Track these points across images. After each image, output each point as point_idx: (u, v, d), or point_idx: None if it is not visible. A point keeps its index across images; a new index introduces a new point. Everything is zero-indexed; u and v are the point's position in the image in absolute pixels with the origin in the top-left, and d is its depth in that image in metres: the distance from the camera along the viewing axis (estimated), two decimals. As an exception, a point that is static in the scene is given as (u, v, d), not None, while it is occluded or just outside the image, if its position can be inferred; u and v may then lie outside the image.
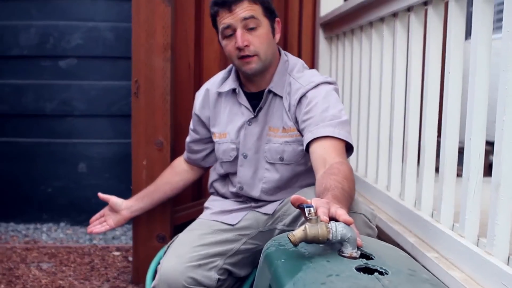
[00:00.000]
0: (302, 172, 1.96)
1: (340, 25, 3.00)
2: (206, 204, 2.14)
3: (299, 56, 3.36)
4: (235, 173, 2.03)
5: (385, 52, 2.35)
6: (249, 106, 1.95)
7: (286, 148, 1.91)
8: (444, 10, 1.90)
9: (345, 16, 2.86)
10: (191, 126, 2.15)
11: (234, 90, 1.98)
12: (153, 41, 2.34)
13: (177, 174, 2.24)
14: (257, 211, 1.99)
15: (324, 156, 1.67)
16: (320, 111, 1.79)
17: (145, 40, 2.34)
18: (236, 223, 1.98)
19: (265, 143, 1.94)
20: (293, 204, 1.13)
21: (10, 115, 3.41)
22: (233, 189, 2.05)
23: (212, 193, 2.18)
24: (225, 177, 2.10)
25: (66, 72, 3.36)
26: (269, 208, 1.97)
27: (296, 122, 1.88)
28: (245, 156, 1.97)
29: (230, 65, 2.06)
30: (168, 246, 1.94)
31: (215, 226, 1.97)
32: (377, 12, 2.38)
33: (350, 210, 1.54)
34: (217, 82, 2.05)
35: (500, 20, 1.45)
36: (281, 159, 1.93)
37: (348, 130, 1.78)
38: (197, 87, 2.63)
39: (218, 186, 2.13)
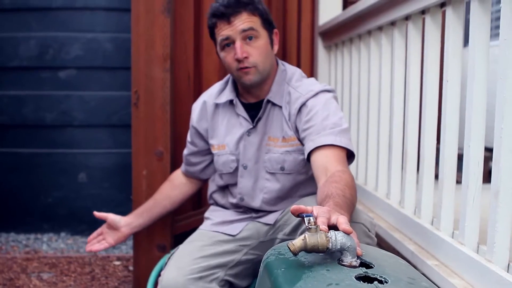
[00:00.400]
0: (303, 181, 1.96)
1: (338, 34, 3.01)
2: (206, 215, 2.13)
3: (298, 65, 3.38)
4: (234, 184, 2.02)
5: (384, 61, 2.36)
6: (247, 117, 1.95)
7: (287, 158, 1.91)
8: (441, 19, 1.91)
9: (343, 25, 2.88)
10: (188, 138, 2.14)
11: (231, 101, 1.98)
12: (152, 52, 2.34)
13: (176, 187, 2.22)
14: (258, 221, 1.99)
15: (326, 165, 1.68)
16: (320, 119, 1.80)
17: (144, 51, 2.35)
18: (237, 234, 1.97)
19: (265, 153, 1.94)
20: (293, 213, 1.14)
21: (10, 125, 3.42)
22: (233, 200, 2.04)
23: (211, 204, 2.18)
24: (224, 188, 2.10)
25: (65, 82, 3.37)
26: (270, 218, 1.97)
27: (297, 131, 1.88)
28: (245, 167, 1.97)
29: (227, 76, 2.06)
30: (169, 258, 1.93)
31: (215, 237, 1.97)
32: (375, 21, 2.39)
33: (351, 219, 1.54)
34: (214, 94, 2.05)
35: (498, 27, 1.46)
36: (282, 168, 1.93)
37: (348, 137, 1.80)
38: (197, 97, 2.63)
39: (218, 197, 2.12)
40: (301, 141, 1.87)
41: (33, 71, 3.38)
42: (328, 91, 1.90)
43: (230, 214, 2.06)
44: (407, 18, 2.12)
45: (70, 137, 3.40)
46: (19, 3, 3.35)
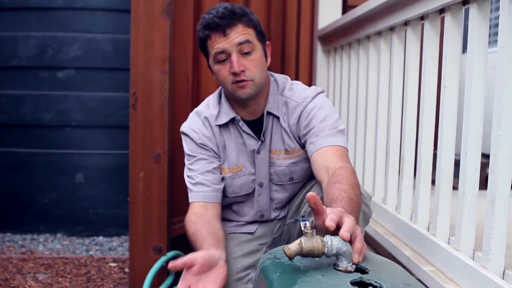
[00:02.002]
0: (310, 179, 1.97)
1: (337, 38, 3.02)
2: None
3: (297, 69, 3.38)
4: (241, 203, 1.99)
5: (382, 66, 2.37)
6: (253, 134, 1.89)
7: (294, 169, 1.90)
8: (440, 25, 1.91)
9: (342, 30, 2.88)
10: (193, 156, 1.92)
11: (232, 120, 1.89)
12: (151, 54, 2.34)
13: (214, 222, 1.86)
14: (269, 220, 2.02)
15: (326, 164, 1.69)
16: (318, 121, 1.80)
17: (143, 53, 2.34)
18: (255, 232, 1.98)
19: (270, 166, 1.91)
20: (309, 200, 1.14)
21: (8, 125, 3.41)
22: (245, 218, 1.99)
23: None
24: (226, 208, 2.01)
25: (64, 83, 3.36)
26: (279, 214, 2.00)
27: (299, 139, 1.87)
28: (261, 185, 1.93)
29: (217, 92, 1.97)
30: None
31: (236, 238, 1.95)
32: (374, 26, 2.40)
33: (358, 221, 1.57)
34: (214, 114, 1.92)
35: (496, 33, 1.47)
36: (291, 179, 1.92)
37: (345, 138, 1.81)
38: (195, 99, 2.64)
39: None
40: (303, 146, 1.86)
41: (31, 71, 3.37)
42: (320, 93, 1.90)
43: (236, 219, 2.04)
44: (406, 23, 2.13)
45: (67, 138, 3.39)
46: (18, 3, 3.35)
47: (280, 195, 1.95)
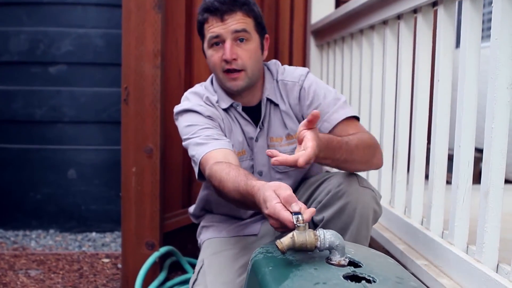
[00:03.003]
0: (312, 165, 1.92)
1: (331, 32, 3.01)
2: (205, 224, 2.01)
3: (290, 64, 3.37)
4: None
5: (375, 60, 2.36)
6: (251, 121, 1.85)
7: None
8: (433, 18, 1.91)
9: (335, 24, 2.87)
10: (200, 124, 1.77)
11: (231, 106, 1.85)
12: (143, 48, 2.33)
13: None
14: None
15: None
16: (322, 98, 1.80)
17: (135, 47, 2.33)
18: (259, 232, 1.92)
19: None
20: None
21: (0, 121, 3.39)
22: (248, 212, 1.93)
23: (203, 215, 2.06)
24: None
25: (56, 78, 3.34)
26: None
27: (302, 118, 1.83)
28: (261, 173, 1.87)
29: (209, 82, 1.92)
30: (197, 276, 1.79)
31: (240, 242, 1.88)
32: (367, 20, 2.39)
33: (360, 183, 1.61)
34: (214, 99, 1.85)
35: (489, 28, 1.46)
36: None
37: (347, 105, 1.83)
38: (188, 94, 2.62)
39: (218, 207, 1.97)
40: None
41: (23, 66, 3.35)
42: (308, 71, 1.89)
43: (238, 215, 1.96)
44: (399, 17, 2.12)
45: (60, 133, 3.38)
46: (9, -3, 3.33)
47: (285, 183, 1.88)
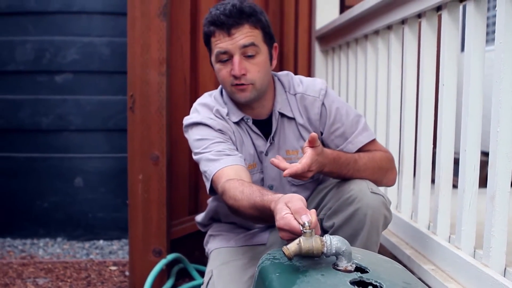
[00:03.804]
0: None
1: (335, 38, 3.01)
2: (213, 232, 2.00)
3: (295, 69, 3.38)
4: None
5: (380, 65, 2.36)
6: (261, 134, 1.83)
7: None
8: (438, 22, 1.91)
9: (340, 29, 2.88)
10: (208, 138, 1.76)
11: (241, 119, 1.83)
12: (148, 56, 2.34)
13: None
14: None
15: None
16: (344, 117, 1.81)
17: (140, 55, 2.34)
18: (267, 241, 1.90)
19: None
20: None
21: (6, 130, 3.40)
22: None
23: (210, 224, 2.06)
24: None
25: (62, 87, 3.36)
26: None
27: (321, 133, 1.83)
28: (271, 187, 1.85)
29: (218, 93, 1.90)
30: (207, 287, 1.78)
31: (248, 252, 1.86)
32: (371, 25, 2.39)
33: (370, 189, 1.62)
34: (225, 112, 1.83)
35: (494, 32, 1.46)
36: (313, 177, 1.81)
37: (368, 126, 1.85)
38: (193, 101, 2.61)
39: (229, 217, 1.95)
40: (323, 141, 1.82)
41: (29, 75, 3.37)
42: (326, 85, 1.88)
43: (246, 224, 1.94)
44: (403, 22, 2.12)
45: (66, 142, 3.39)
46: (15, 7, 3.34)
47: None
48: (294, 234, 1.14)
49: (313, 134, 1.51)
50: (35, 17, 3.35)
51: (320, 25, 3.28)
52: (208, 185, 1.72)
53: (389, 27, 2.26)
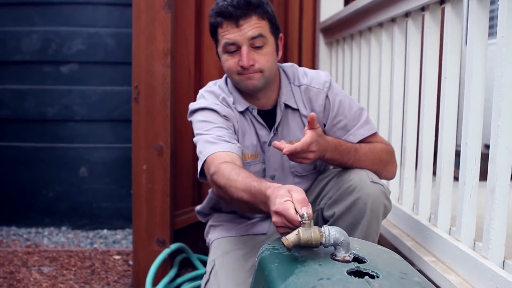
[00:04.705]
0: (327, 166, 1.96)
1: (340, 30, 3.01)
2: (213, 223, 2.01)
3: (300, 61, 3.38)
4: None
5: (384, 57, 2.37)
6: (265, 125, 1.85)
7: None
8: (441, 16, 1.91)
9: (344, 22, 2.88)
10: (213, 122, 1.78)
11: (247, 109, 1.85)
12: (153, 47, 2.35)
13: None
14: None
15: None
16: (347, 110, 1.83)
17: (145, 46, 2.35)
18: (268, 231, 1.91)
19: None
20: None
21: (12, 120, 3.43)
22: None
23: (211, 213, 2.07)
24: None
25: (67, 77, 3.38)
26: None
27: (324, 125, 1.85)
28: (273, 177, 1.87)
29: (223, 82, 1.91)
30: (209, 277, 1.79)
31: (249, 241, 1.88)
32: (375, 17, 2.39)
33: (370, 179, 1.65)
34: (230, 101, 1.84)
35: (497, 25, 1.47)
36: (315, 167, 1.90)
37: (370, 120, 1.88)
38: (197, 92, 2.64)
39: (225, 206, 1.97)
40: (325, 132, 1.83)
41: (35, 66, 3.39)
42: (330, 77, 1.89)
43: (246, 214, 1.95)
44: (407, 15, 2.12)
45: (71, 132, 3.41)
46: (21, -3, 3.36)
47: (302, 187, 1.80)
48: (287, 222, 1.15)
49: (312, 114, 1.55)
50: (42, 7, 3.37)
51: (324, 17, 3.29)
52: (199, 166, 1.72)
53: (393, 20, 2.26)
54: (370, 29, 2.53)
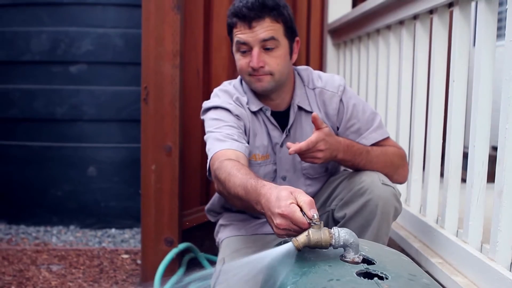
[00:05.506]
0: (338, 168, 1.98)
1: (347, 32, 3.03)
2: (223, 222, 2.00)
3: (307, 62, 3.39)
4: None
5: (392, 59, 2.38)
6: (278, 126, 1.86)
7: None
8: (449, 18, 1.92)
9: (352, 23, 2.89)
10: (223, 120, 1.79)
11: (260, 109, 1.86)
12: (162, 48, 2.37)
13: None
14: None
15: None
16: (361, 114, 1.84)
17: (154, 47, 2.37)
18: None
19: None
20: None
21: (21, 119, 3.45)
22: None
23: (221, 212, 2.07)
24: None
25: (76, 77, 3.40)
26: None
27: (337, 128, 1.87)
28: (284, 178, 1.88)
29: (238, 82, 1.93)
30: (219, 274, 1.73)
31: (259, 240, 1.88)
32: (383, 19, 2.40)
33: (381, 181, 1.66)
34: (244, 101, 1.86)
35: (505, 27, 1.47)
36: (327, 169, 1.91)
37: (383, 124, 1.89)
38: (206, 93, 2.67)
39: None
40: (338, 135, 1.82)
41: (44, 66, 3.41)
42: (344, 81, 1.90)
43: (256, 214, 1.91)
44: (415, 17, 2.13)
45: (80, 131, 3.43)
46: (31, -2, 3.38)
47: (313, 189, 1.90)
48: (293, 225, 1.14)
49: (314, 114, 1.60)
50: (51, 8, 3.39)
51: (332, 18, 3.30)
52: (208, 164, 1.72)
53: (401, 22, 2.27)
54: (378, 31, 2.54)
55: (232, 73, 2.82)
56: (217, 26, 2.77)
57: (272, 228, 1.21)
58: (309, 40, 3.45)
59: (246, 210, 1.74)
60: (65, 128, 3.42)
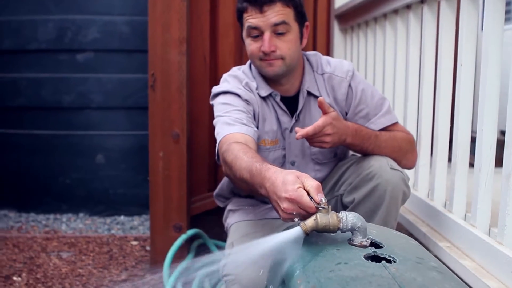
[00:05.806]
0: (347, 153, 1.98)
1: (354, 17, 3.01)
2: (232, 207, 2.01)
3: (314, 47, 3.38)
4: None
5: (399, 44, 2.37)
6: (287, 111, 1.86)
7: None
8: (456, 3, 1.91)
9: (359, 8, 2.88)
10: (232, 104, 1.79)
11: (269, 94, 1.86)
12: (168, 35, 2.36)
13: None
14: None
15: None
16: (369, 99, 1.84)
17: (161, 34, 2.37)
18: None
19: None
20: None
21: (29, 107, 3.46)
22: None
23: (230, 197, 2.07)
24: None
25: (83, 65, 3.40)
26: None
27: (346, 113, 1.87)
28: (293, 163, 1.88)
29: (247, 68, 1.93)
30: (228, 258, 1.74)
31: (267, 225, 1.88)
32: (390, 4, 2.39)
33: (390, 165, 1.66)
34: (254, 86, 1.86)
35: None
36: (335, 154, 1.91)
37: (392, 109, 1.89)
38: (213, 80, 2.66)
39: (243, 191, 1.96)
40: (347, 120, 1.84)
41: (51, 54, 3.41)
42: (353, 66, 1.90)
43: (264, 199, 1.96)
44: (422, 1, 2.12)
45: (87, 119, 3.44)
46: (37, -14, 3.38)
47: (321, 174, 1.91)
48: (300, 209, 1.13)
49: (320, 98, 1.60)
50: (57, -4, 3.39)
51: (339, 3, 3.28)
52: (217, 148, 1.72)
53: (408, 6, 2.26)
54: (385, 15, 2.52)
55: (239, 59, 2.81)
56: (224, 12, 2.76)
57: (278, 213, 1.21)
58: (316, 25, 3.43)
59: (252, 193, 1.75)
60: (72, 116, 3.43)
